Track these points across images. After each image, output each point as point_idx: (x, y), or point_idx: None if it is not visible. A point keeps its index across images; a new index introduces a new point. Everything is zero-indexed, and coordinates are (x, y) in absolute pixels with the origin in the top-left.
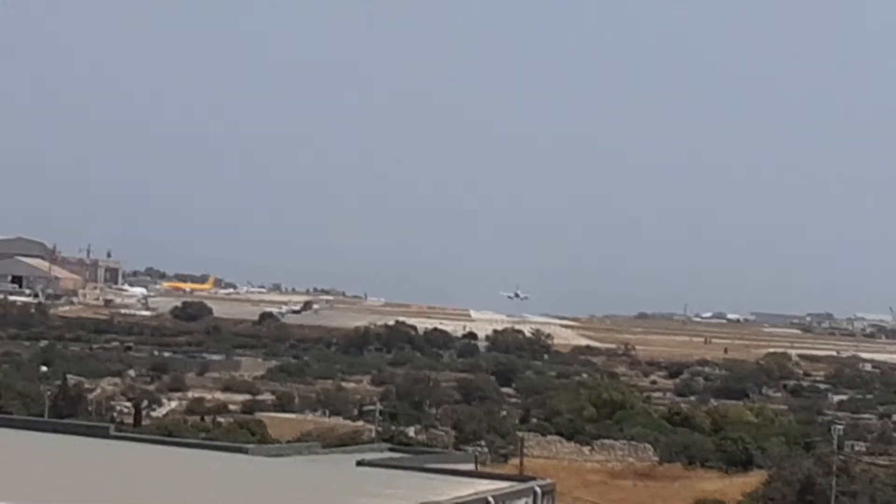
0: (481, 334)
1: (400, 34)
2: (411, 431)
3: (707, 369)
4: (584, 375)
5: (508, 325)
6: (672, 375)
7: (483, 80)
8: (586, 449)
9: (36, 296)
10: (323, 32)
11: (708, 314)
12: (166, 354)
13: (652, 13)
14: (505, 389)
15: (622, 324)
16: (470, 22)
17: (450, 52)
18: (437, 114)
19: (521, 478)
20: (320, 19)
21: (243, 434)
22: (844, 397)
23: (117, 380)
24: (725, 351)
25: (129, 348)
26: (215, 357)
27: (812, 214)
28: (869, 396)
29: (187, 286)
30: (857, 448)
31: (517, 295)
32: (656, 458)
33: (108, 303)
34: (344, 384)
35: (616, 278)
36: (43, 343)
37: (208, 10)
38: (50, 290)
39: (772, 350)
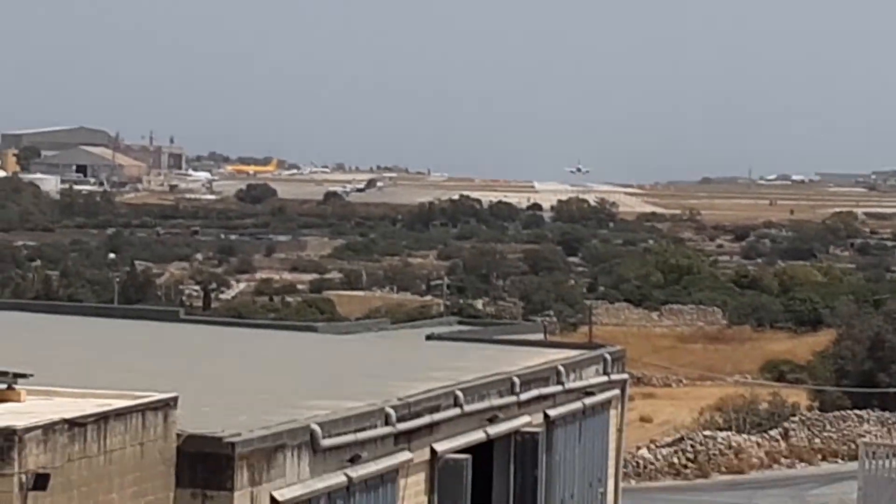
0: (546, 205)
1: None
2: (479, 304)
3: (773, 231)
4: (650, 242)
5: (573, 195)
6: (738, 239)
7: None
8: (655, 314)
9: (101, 184)
10: None
11: (772, 176)
12: (233, 237)
13: None
14: (571, 259)
15: (686, 189)
16: None
17: None
18: None
19: (590, 346)
20: None
21: (312, 313)
22: None
23: (185, 264)
24: (791, 212)
25: (196, 232)
26: (281, 238)
27: (874, 70)
28: None
29: (251, 169)
30: None
31: (578, 170)
32: (725, 321)
33: (172, 188)
34: (410, 260)
35: (679, 144)
36: (110, 231)
37: None
38: (115, 178)
39: (838, 209)
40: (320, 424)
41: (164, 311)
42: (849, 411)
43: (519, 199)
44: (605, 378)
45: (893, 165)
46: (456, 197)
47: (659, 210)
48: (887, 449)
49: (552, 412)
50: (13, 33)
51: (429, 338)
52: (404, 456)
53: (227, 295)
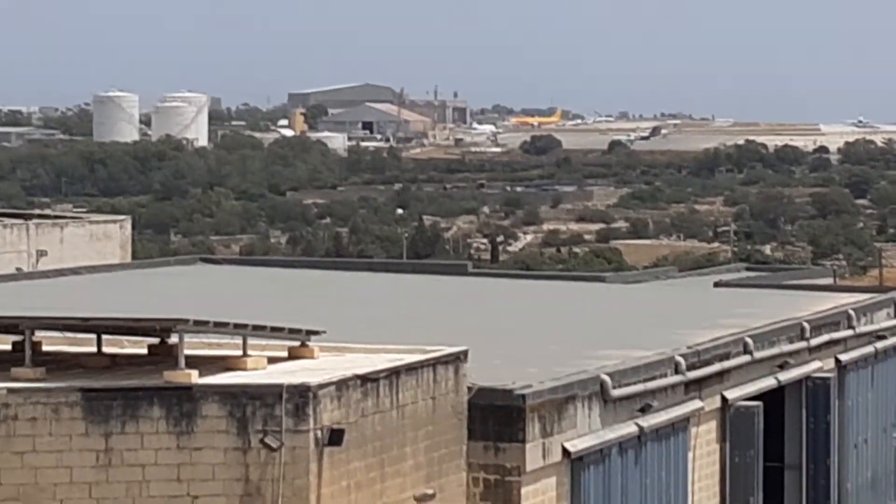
0: (832, 147)
1: None
2: (767, 249)
3: None
4: None
5: (860, 137)
6: None
7: None
8: None
9: (387, 140)
10: None
11: None
12: (518, 189)
13: None
14: (860, 201)
15: None
16: None
17: None
18: None
19: (881, 289)
20: None
21: (600, 263)
22: None
23: (472, 217)
24: None
25: (482, 186)
26: (567, 188)
27: None
28: None
29: (535, 120)
30: None
31: (860, 122)
32: None
33: (457, 142)
34: (697, 207)
35: None
36: (397, 186)
37: None
38: (400, 134)
39: None
40: (610, 374)
41: (453, 265)
42: None
43: (805, 143)
44: None
45: None
46: (741, 142)
47: None
48: None
49: (843, 357)
50: None
51: (717, 285)
52: (695, 404)
53: (515, 247)
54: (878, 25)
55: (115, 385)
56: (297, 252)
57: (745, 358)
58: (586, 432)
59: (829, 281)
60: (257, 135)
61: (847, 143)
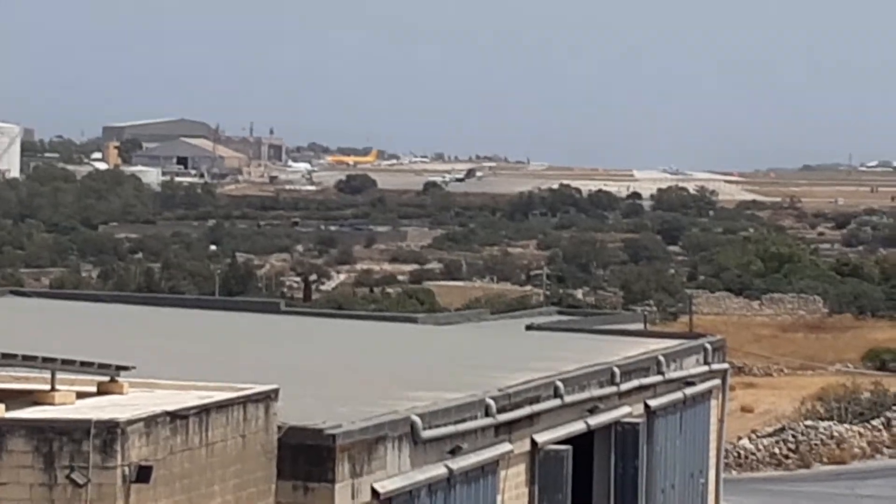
0: (645, 194)
1: None
2: (579, 294)
3: (875, 218)
4: (751, 230)
5: (672, 184)
6: (839, 226)
7: None
8: (755, 303)
9: (202, 176)
10: None
11: (873, 163)
12: (333, 228)
13: None
14: (671, 248)
15: (787, 176)
16: None
17: None
18: None
19: (691, 335)
20: None
21: (412, 303)
22: None
23: (286, 255)
24: (893, 199)
25: (296, 223)
26: (381, 228)
27: None
28: None
29: (350, 159)
30: None
31: (671, 168)
32: (826, 310)
33: (272, 179)
34: (510, 250)
35: (778, 132)
36: (211, 222)
37: None
38: (215, 170)
39: None
40: (421, 416)
41: (266, 303)
42: None
43: (619, 188)
44: (705, 368)
45: None
46: (556, 186)
47: (759, 198)
48: None
49: (653, 402)
50: (112, 28)
51: (529, 328)
52: (505, 447)
53: (328, 286)
54: (691, 74)
55: None
56: (109, 286)
57: (556, 402)
58: (396, 473)
59: (639, 326)
60: (70, 167)
61: (660, 190)
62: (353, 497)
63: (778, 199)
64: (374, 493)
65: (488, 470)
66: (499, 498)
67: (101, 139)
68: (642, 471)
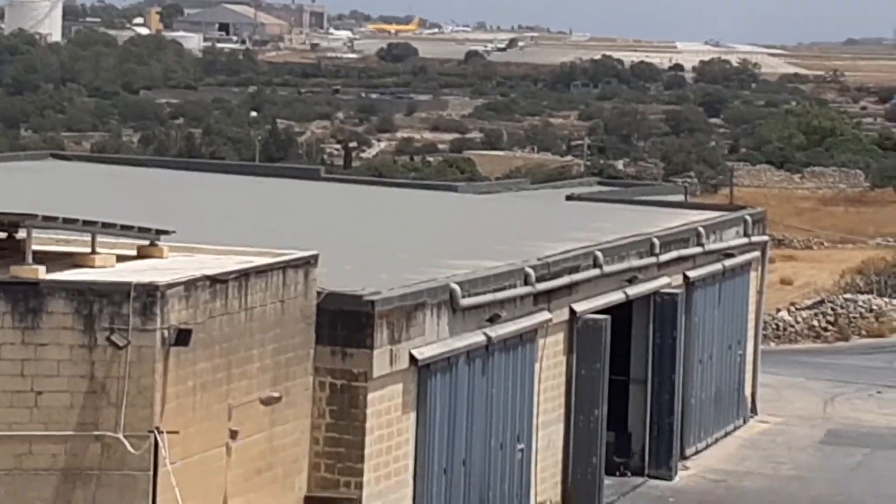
0: (688, 66)
1: None
2: (620, 165)
3: None
4: (793, 103)
5: (715, 56)
6: (882, 101)
7: None
8: (796, 177)
9: (243, 42)
10: None
11: None
12: (373, 96)
13: None
14: (713, 120)
15: (830, 50)
16: None
17: None
18: None
19: (731, 207)
20: None
21: (453, 172)
22: None
23: (326, 122)
24: None
25: (337, 91)
26: (422, 97)
27: None
28: None
29: (392, 27)
30: None
31: (712, 41)
32: (867, 184)
33: (314, 47)
34: (551, 120)
35: (823, 4)
36: (252, 89)
37: None
38: (256, 37)
39: None
40: (460, 283)
41: (306, 170)
42: None
43: (661, 60)
44: (745, 240)
45: None
46: (597, 57)
47: (802, 71)
48: None
49: (692, 273)
50: None
51: (569, 198)
52: (543, 316)
53: (368, 154)
54: None
55: None
56: (149, 151)
57: (595, 271)
58: (434, 340)
59: (680, 198)
60: (112, 32)
61: (702, 62)
62: (391, 363)
63: (821, 73)
64: (413, 359)
65: (526, 338)
66: (537, 366)
67: (143, 4)
68: (680, 341)
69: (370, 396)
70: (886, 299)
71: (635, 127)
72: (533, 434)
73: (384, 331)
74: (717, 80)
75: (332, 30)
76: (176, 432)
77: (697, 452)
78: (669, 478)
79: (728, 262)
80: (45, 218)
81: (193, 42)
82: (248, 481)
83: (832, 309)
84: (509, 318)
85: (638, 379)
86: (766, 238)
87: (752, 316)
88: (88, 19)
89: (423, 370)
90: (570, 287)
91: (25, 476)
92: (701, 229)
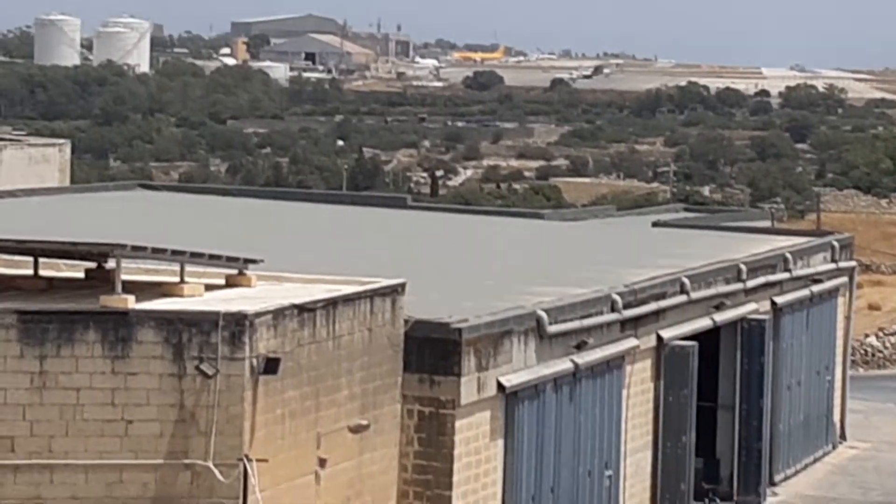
0: (774, 91)
1: None
2: (706, 191)
3: None
4: (880, 128)
5: (801, 81)
6: None
7: None
8: (884, 202)
9: (329, 71)
10: None
11: None
12: (459, 124)
13: None
14: (799, 145)
15: None
16: None
17: None
18: None
19: (818, 233)
20: None
21: (539, 199)
22: None
23: (412, 151)
24: None
25: (423, 119)
26: (508, 125)
27: None
28: None
29: (477, 56)
30: None
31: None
32: None
33: (399, 76)
34: (637, 147)
35: None
36: (338, 118)
37: None
38: (343, 66)
39: None
40: (547, 311)
41: (392, 198)
42: None
43: (746, 86)
44: (832, 265)
45: None
46: (683, 83)
47: (888, 96)
48: None
49: (779, 299)
50: None
51: (655, 225)
52: (630, 342)
53: (455, 182)
54: None
55: (51, 308)
56: (237, 181)
57: (682, 298)
58: (521, 367)
59: (766, 224)
60: (199, 62)
61: (788, 88)
62: (478, 390)
63: None
64: (500, 386)
65: (614, 365)
66: (624, 393)
67: (230, 35)
68: (768, 367)
69: (458, 424)
70: None
71: (721, 153)
72: (621, 461)
73: (472, 358)
74: (804, 106)
75: (417, 58)
76: (265, 460)
77: (786, 479)
78: None
79: (816, 288)
80: (135, 248)
81: (280, 72)
82: None
83: None
84: (596, 344)
85: (726, 405)
86: (853, 263)
87: (840, 341)
88: (176, 50)
89: (510, 397)
90: (657, 313)
91: None
92: (788, 255)
